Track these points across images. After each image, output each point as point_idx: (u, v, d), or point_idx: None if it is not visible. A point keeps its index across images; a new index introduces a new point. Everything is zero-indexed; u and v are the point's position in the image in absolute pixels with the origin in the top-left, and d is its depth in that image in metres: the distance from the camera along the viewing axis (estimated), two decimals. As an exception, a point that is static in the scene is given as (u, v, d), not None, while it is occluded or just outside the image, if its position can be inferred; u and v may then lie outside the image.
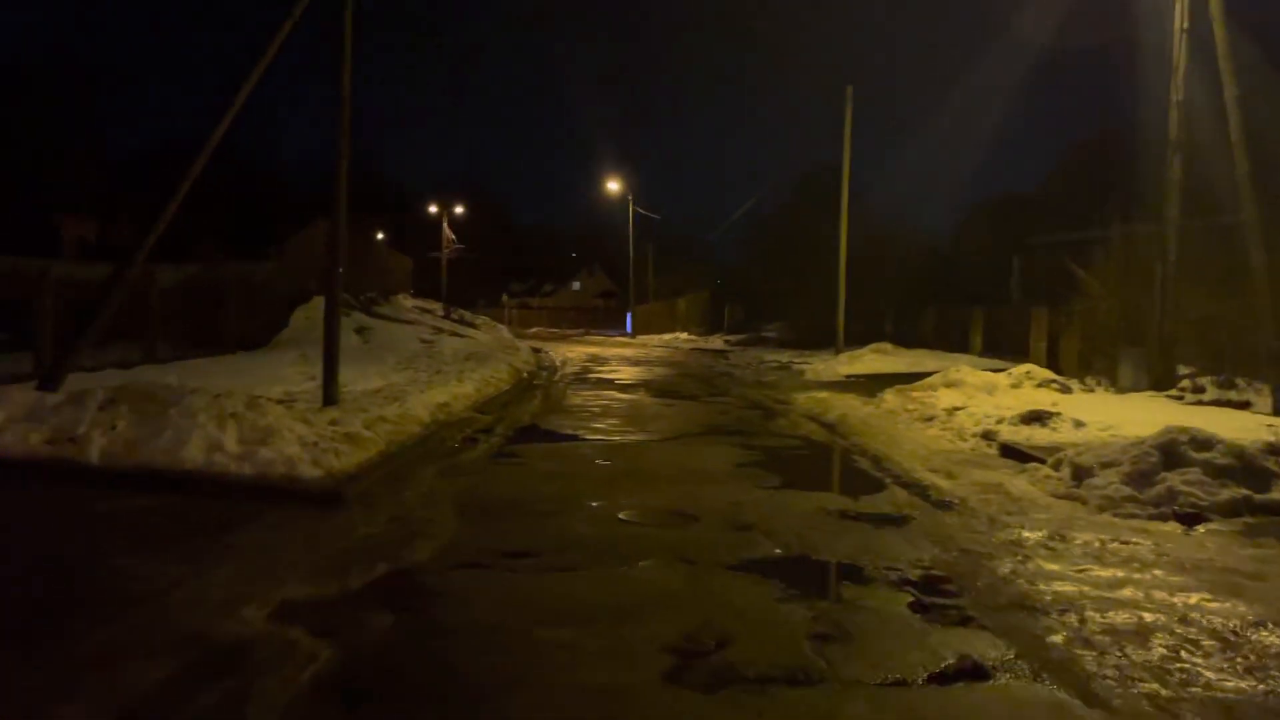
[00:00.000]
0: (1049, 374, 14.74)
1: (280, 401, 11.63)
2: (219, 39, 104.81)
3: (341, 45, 10.63)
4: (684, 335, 48.06)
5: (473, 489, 7.78)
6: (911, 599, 4.95)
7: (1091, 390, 14.49)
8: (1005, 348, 22.67)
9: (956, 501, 7.51)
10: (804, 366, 22.50)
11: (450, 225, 69.51)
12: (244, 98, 9.88)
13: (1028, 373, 14.71)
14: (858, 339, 26.77)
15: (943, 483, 8.33)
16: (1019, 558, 5.71)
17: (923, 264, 35.73)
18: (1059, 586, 5.12)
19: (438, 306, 36.23)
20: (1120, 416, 11.25)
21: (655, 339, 48.07)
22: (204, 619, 4.37)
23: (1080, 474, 7.70)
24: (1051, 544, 6.02)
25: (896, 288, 31.72)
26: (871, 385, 18.01)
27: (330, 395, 10.94)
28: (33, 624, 4.34)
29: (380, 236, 61.43)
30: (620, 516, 6.75)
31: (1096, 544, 6.03)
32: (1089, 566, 5.52)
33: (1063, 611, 4.69)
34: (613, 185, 53.00)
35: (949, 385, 14.17)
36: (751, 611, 4.72)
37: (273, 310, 19.97)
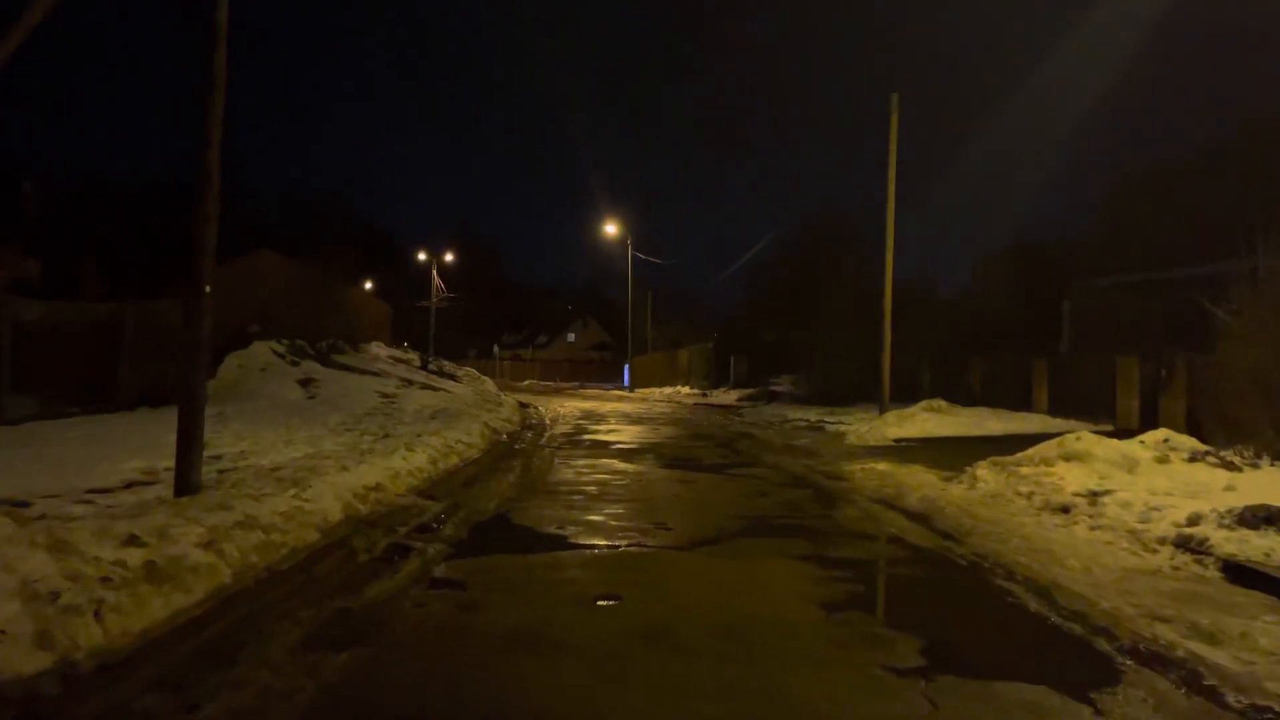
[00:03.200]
0: (1194, 443, 11.08)
1: (129, 485, 7.97)
2: (174, 72, 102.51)
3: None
4: (686, 389, 44.41)
5: (352, 691, 4.04)
6: None
7: (1256, 466, 10.83)
8: (1078, 405, 19.03)
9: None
10: (841, 428, 18.80)
11: (442, 275, 66.67)
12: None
13: (1166, 441, 11.04)
14: (898, 395, 23.16)
15: (1219, 657, 4.66)
16: None
17: (950, 313, 32.37)
18: None
19: (417, 356, 32.58)
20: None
21: (656, 393, 44.42)
22: None
23: None
24: None
25: (926, 338, 28.22)
26: (939, 453, 14.35)
27: (187, 480, 7.20)
28: None
29: (369, 286, 58.19)
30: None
31: None
32: None
33: None
34: (610, 229, 49.74)
35: (1069, 458, 10.49)
36: None
37: (196, 357, 16.32)
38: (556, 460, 13.47)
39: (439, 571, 6.27)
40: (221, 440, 11.16)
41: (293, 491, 7.35)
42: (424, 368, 29.59)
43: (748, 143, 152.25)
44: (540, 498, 9.80)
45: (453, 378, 29.60)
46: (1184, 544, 7.12)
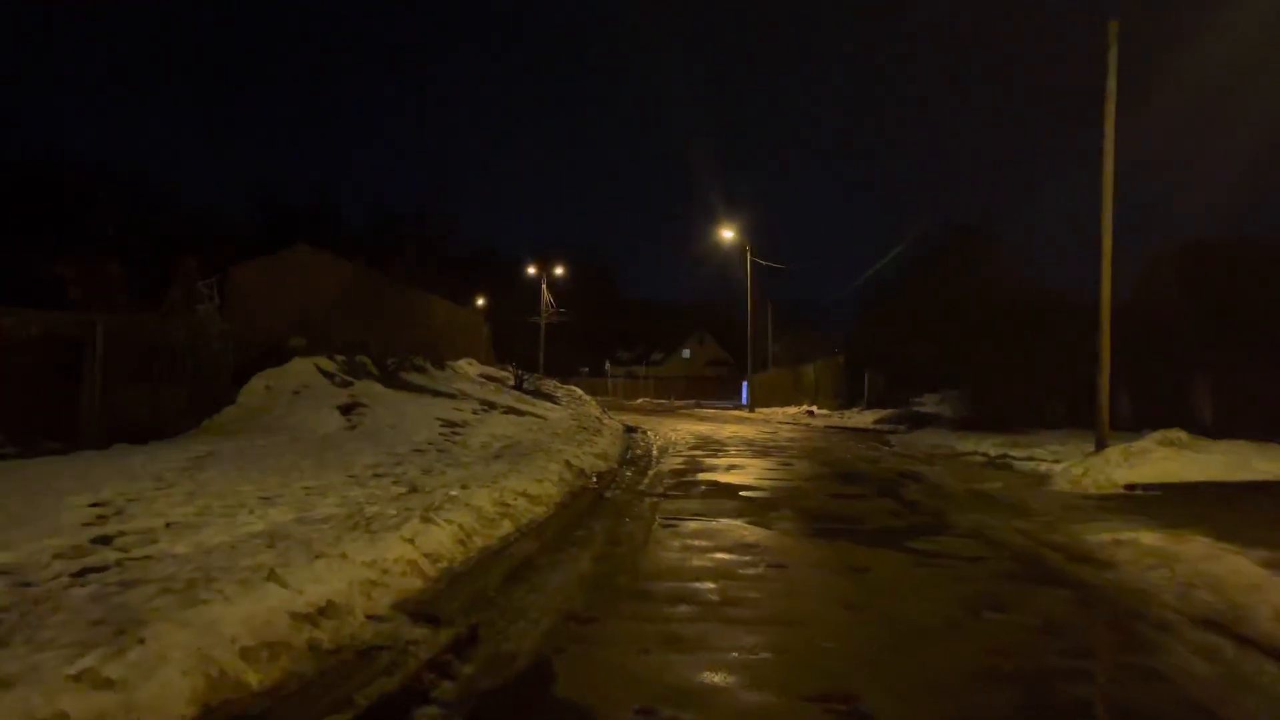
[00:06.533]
0: None
1: None
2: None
3: None
4: (813, 409, 39.86)
5: None
6: None
7: None
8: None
9: None
10: (1038, 465, 14.24)
11: (554, 291, 64.43)
12: None
13: None
14: (1081, 421, 18.41)
15: None
16: None
17: (1119, 325, 26.95)
18: None
19: (512, 374, 29.24)
20: None
21: (779, 413, 40.10)
22: None
23: None
24: None
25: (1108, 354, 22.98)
26: (1210, 510, 9.75)
27: None
28: None
29: (480, 303, 55.90)
30: None
31: None
32: None
33: None
34: (728, 234, 45.74)
35: None
36: None
37: (210, 377, 13.10)
38: (658, 522, 9.50)
39: None
40: (162, 501, 7.63)
41: (96, 654, 3.60)
42: (518, 387, 26.17)
43: (873, 150, 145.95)
44: (621, 613, 5.84)
45: (550, 398, 26.08)
46: None
